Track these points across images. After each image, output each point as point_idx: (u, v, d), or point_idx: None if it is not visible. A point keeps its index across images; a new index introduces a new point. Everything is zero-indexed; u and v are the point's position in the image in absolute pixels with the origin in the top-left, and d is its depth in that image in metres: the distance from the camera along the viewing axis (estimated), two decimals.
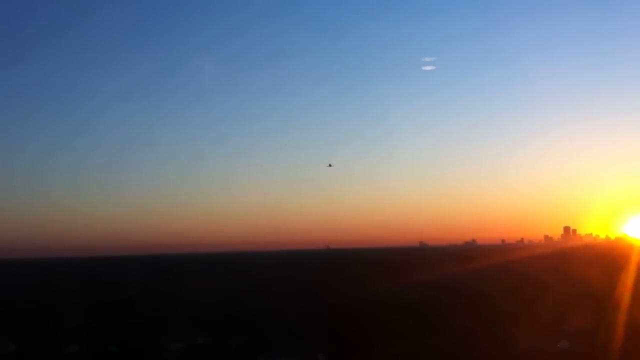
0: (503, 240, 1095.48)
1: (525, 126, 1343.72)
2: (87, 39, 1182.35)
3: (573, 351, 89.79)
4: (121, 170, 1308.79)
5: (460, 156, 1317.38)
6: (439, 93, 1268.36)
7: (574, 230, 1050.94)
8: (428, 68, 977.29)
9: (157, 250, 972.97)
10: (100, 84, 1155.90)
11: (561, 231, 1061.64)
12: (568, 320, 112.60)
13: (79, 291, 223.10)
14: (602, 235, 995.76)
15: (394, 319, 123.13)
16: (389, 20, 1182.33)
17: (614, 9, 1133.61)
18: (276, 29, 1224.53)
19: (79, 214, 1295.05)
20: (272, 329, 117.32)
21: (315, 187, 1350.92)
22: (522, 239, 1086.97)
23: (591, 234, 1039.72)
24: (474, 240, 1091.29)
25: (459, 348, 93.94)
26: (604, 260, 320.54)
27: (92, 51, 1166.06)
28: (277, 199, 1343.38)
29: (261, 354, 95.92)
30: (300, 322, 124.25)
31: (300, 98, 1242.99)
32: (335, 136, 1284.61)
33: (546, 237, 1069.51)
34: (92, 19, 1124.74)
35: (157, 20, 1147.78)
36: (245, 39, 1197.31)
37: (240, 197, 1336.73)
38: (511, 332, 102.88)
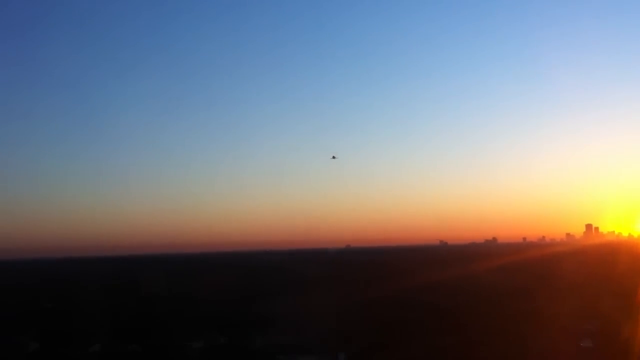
0: (524, 238, 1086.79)
1: (547, 124, 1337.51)
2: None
3: (596, 350, 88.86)
4: (138, 172, 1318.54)
5: (481, 155, 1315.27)
6: (458, 92, 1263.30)
7: (596, 228, 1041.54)
8: (447, 71, 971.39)
9: (176, 250, 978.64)
10: (119, 89, 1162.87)
11: (583, 229, 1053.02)
12: (591, 319, 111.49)
13: (99, 291, 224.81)
14: (625, 233, 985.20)
15: (413, 319, 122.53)
16: (406, 22, 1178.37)
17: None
18: (291, 33, 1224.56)
19: (96, 214, 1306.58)
20: (291, 328, 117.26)
21: (335, 186, 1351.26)
22: (543, 237, 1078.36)
23: (613, 231, 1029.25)
24: (494, 239, 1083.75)
25: (479, 348, 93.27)
26: (627, 258, 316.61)
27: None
28: (296, 198, 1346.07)
29: (281, 353, 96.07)
30: (320, 321, 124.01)
31: (320, 99, 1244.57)
32: (356, 136, 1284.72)
33: (568, 235, 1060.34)
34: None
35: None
36: (271, 45, 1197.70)
37: (259, 197, 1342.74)
38: (533, 331, 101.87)
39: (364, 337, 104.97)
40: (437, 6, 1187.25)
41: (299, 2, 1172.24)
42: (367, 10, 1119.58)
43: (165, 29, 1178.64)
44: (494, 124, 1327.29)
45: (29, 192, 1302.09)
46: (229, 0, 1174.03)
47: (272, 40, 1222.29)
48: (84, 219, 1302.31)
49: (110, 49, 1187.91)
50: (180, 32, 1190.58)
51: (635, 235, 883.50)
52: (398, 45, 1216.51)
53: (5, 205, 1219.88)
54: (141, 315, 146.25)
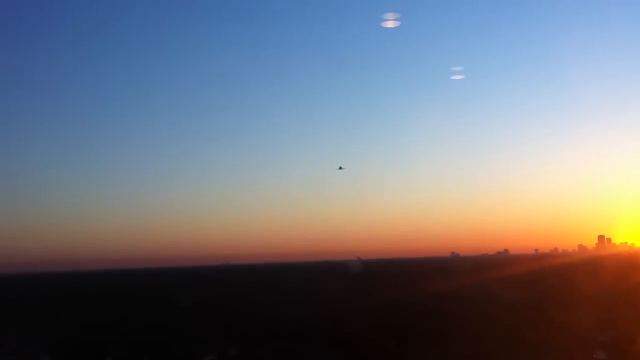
0: (536, 250, 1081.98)
1: (558, 134, 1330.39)
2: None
3: None
4: (152, 185, 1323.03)
5: (492, 165, 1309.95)
6: (467, 102, 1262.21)
7: (609, 239, 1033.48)
8: (457, 77, 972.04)
9: (186, 263, 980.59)
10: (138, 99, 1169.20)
11: (595, 240, 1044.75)
12: (604, 330, 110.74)
13: (112, 303, 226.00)
14: (638, 244, 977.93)
15: (428, 328, 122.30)
16: (418, 29, 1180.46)
17: None
18: (304, 40, 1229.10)
19: (108, 227, 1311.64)
20: (304, 338, 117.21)
21: (345, 198, 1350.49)
22: (555, 248, 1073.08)
23: (626, 242, 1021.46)
24: (506, 250, 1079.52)
25: (493, 357, 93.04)
26: None
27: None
28: (306, 210, 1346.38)
29: None
30: (334, 331, 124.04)
31: (329, 108, 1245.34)
32: (365, 146, 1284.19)
33: (580, 246, 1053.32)
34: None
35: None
36: (282, 54, 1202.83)
37: (270, 209, 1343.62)
38: (546, 342, 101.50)
39: (378, 347, 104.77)
40: (466, 13, 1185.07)
41: (313, 10, 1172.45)
42: (381, 14, 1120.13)
43: (176, 32, 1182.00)
44: (504, 136, 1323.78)
45: (41, 204, 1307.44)
46: (241, 7, 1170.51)
47: (283, 48, 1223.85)
48: (95, 232, 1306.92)
49: (117, 60, 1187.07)
50: (201, 43, 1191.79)
51: None
52: (409, 51, 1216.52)
53: (21, 219, 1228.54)
54: (153, 327, 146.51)
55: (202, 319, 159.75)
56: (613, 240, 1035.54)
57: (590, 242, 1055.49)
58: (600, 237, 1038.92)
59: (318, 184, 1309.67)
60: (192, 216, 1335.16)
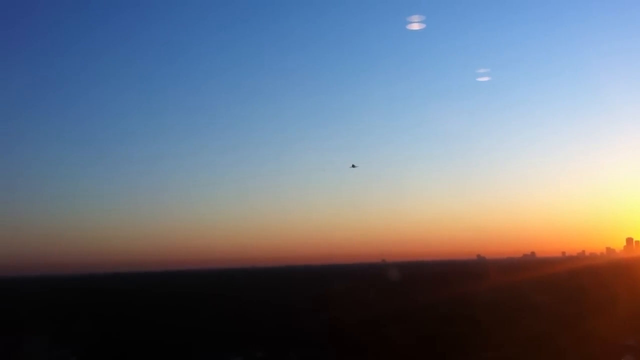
0: (563, 253, 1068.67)
1: (585, 135, 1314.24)
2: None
3: None
4: (177, 189, 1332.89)
5: (518, 167, 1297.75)
6: (493, 103, 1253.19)
7: (637, 242, 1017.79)
8: (483, 79, 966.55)
9: (215, 265, 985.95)
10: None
11: (624, 242, 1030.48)
12: (632, 333, 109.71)
13: (137, 305, 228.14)
14: None
15: (453, 333, 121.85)
16: (443, 31, 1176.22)
17: None
18: (329, 42, 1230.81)
19: (128, 229, 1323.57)
20: (329, 342, 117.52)
21: (371, 201, 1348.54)
22: (583, 251, 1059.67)
23: None
24: (533, 253, 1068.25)
25: None
26: None
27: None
28: (332, 212, 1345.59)
29: None
30: (358, 335, 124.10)
31: (354, 110, 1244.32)
32: (391, 149, 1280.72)
33: (608, 249, 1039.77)
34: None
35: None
36: (294, 57, 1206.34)
37: (294, 212, 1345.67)
38: (572, 347, 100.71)
39: (403, 353, 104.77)
40: (492, 15, 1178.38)
41: (338, 12, 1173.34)
42: (406, 17, 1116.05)
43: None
44: (531, 138, 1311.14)
45: (61, 207, 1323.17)
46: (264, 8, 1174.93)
47: (307, 50, 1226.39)
48: (118, 234, 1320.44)
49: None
50: (210, 49, 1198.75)
51: None
52: (434, 53, 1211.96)
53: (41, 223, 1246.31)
54: (180, 329, 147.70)
55: (228, 322, 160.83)
56: None
57: (618, 245, 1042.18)
58: (629, 240, 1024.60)
59: (343, 187, 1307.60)
60: (219, 220, 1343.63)
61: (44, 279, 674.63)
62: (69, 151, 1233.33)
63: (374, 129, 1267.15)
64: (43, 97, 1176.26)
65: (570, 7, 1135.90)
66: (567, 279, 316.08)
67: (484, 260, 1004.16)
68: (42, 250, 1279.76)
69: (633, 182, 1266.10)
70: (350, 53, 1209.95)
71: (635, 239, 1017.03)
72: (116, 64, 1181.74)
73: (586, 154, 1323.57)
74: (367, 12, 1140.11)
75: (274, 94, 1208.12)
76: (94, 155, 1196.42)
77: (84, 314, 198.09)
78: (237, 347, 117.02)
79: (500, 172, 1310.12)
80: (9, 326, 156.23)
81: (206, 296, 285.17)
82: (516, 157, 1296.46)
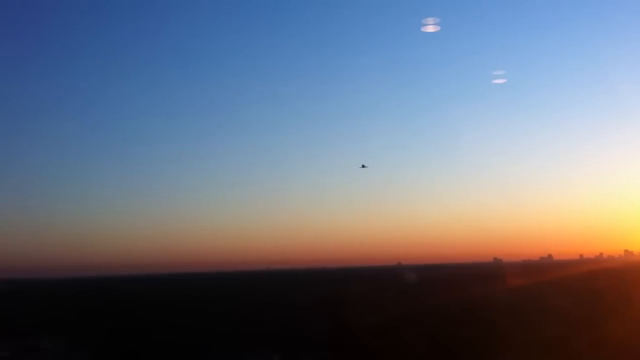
0: (581, 255, 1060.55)
1: (601, 137, 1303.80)
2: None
3: None
4: (190, 192, 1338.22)
5: (535, 169, 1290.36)
6: (509, 106, 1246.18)
7: None
8: (499, 81, 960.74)
9: (230, 268, 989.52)
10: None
11: None
12: None
13: (152, 307, 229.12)
14: None
15: (468, 337, 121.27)
16: (458, 33, 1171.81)
17: None
18: (343, 44, 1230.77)
19: (142, 232, 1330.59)
20: (344, 345, 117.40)
21: (385, 204, 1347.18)
22: (600, 253, 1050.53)
23: None
24: (550, 256, 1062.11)
25: None
26: None
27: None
28: (347, 215, 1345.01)
29: None
30: (372, 339, 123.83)
31: (369, 113, 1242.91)
32: (406, 151, 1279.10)
33: (626, 251, 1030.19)
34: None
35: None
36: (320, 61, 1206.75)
37: (310, 215, 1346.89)
38: (589, 351, 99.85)
39: (418, 357, 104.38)
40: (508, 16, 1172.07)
41: (352, 14, 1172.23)
42: (421, 19, 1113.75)
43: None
44: (547, 139, 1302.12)
45: (73, 207, 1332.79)
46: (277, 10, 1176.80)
47: (321, 52, 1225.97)
48: (129, 236, 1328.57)
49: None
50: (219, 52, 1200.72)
51: None
52: (449, 55, 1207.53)
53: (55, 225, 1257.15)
54: (194, 331, 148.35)
55: (244, 324, 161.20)
56: None
57: (637, 247, 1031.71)
58: None
59: (359, 190, 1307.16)
60: (235, 222, 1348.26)
61: (58, 281, 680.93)
62: (83, 154, 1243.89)
63: (389, 132, 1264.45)
64: (55, 101, 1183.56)
65: (588, 8, 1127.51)
66: (585, 281, 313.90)
67: (500, 263, 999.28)
68: (57, 253, 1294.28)
69: None
70: (365, 55, 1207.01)
71: None
72: (123, 66, 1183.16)
73: (604, 156, 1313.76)
74: (382, 13, 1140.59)
75: (289, 96, 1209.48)
76: (108, 158, 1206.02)
77: (99, 316, 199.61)
78: (251, 348, 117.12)
79: (517, 174, 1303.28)
80: (25, 328, 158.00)
81: (220, 298, 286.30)
82: (533, 159, 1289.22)
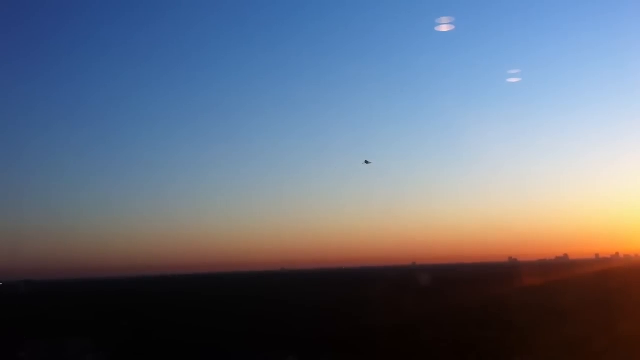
0: (597, 255, 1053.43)
1: (617, 137, 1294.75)
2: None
3: None
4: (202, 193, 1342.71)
5: (550, 168, 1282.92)
6: (524, 105, 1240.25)
7: None
8: (513, 80, 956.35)
9: (246, 268, 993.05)
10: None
11: None
12: None
13: (167, 308, 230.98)
14: None
15: (486, 338, 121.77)
16: (473, 32, 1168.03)
17: None
18: (356, 45, 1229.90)
19: (160, 233, 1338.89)
20: (361, 347, 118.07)
21: (401, 204, 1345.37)
22: (617, 252, 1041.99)
23: None
24: (566, 255, 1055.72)
25: None
26: None
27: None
28: (363, 215, 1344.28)
29: None
30: (390, 340, 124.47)
31: (382, 113, 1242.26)
32: (421, 151, 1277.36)
33: None
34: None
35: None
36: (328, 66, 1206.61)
37: (326, 216, 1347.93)
38: (607, 351, 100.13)
39: (437, 358, 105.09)
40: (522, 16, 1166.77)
41: (366, 14, 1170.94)
42: (435, 19, 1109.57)
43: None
44: (562, 139, 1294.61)
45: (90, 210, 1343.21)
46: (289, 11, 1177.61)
47: (334, 52, 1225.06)
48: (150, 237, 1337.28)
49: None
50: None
51: None
52: (464, 54, 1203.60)
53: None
54: (211, 333, 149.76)
55: (258, 324, 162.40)
56: None
57: None
58: None
59: (374, 190, 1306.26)
60: (251, 224, 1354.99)
61: (75, 282, 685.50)
62: (106, 160, 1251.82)
63: (404, 132, 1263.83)
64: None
65: (604, 7, 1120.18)
66: (601, 281, 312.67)
67: (516, 262, 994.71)
68: (80, 255, 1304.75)
69: None
70: (378, 55, 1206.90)
71: None
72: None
73: (620, 155, 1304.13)
74: (396, 13, 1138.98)
75: (305, 98, 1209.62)
76: (131, 162, 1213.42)
77: (119, 316, 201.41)
78: (267, 349, 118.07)
79: (532, 173, 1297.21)
80: (50, 329, 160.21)
81: (237, 299, 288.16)
82: (548, 158, 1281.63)
